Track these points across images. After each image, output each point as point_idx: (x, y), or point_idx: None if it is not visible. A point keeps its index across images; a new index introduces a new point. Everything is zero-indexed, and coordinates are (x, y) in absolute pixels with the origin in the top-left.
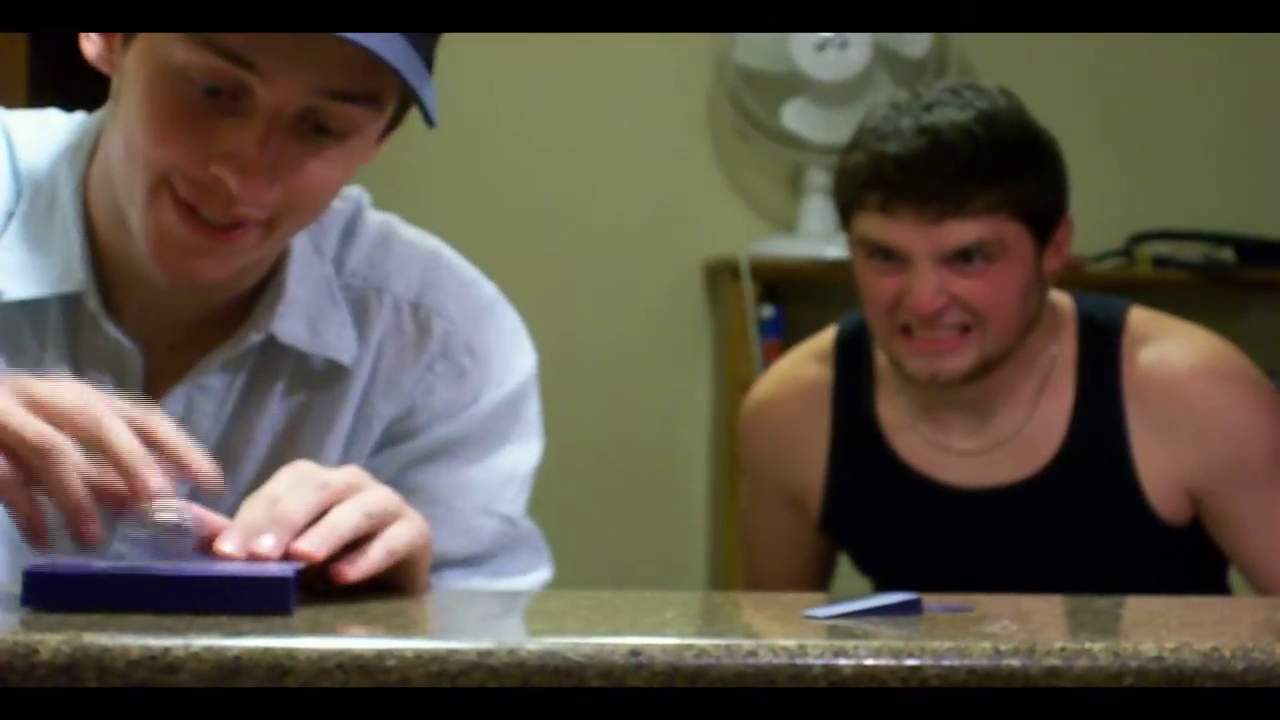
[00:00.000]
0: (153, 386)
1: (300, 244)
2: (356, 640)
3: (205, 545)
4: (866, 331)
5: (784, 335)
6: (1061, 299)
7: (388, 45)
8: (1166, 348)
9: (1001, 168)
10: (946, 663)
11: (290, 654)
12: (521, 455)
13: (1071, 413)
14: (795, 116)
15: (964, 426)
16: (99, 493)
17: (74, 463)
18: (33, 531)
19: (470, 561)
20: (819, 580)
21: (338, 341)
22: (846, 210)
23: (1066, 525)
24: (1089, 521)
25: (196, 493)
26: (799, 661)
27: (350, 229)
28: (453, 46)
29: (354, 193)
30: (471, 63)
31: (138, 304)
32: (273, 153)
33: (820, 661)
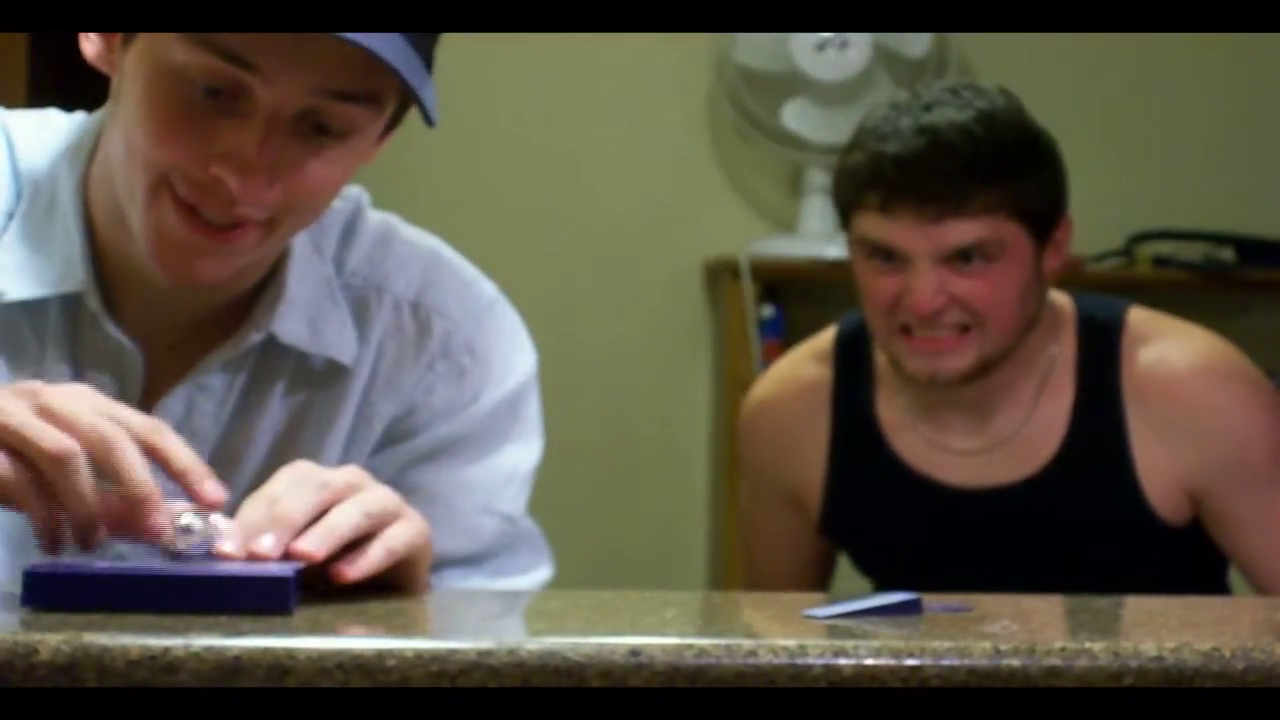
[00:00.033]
0: (153, 386)
1: (300, 244)
2: (356, 640)
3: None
4: (866, 331)
5: (784, 335)
6: (1061, 299)
7: (387, 45)
8: (1166, 347)
9: (1001, 168)
10: (946, 663)
11: (290, 654)
12: (522, 454)
13: (1071, 412)
14: (795, 116)
15: (964, 426)
16: (107, 510)
17: (88, 474)
18: (51, 538)
19: (471, 561)
20: (819, 580)
21: (338, 341)
22: (846, 210)
23: (1066, 525)
24: (1089, 521)
25: None
26: (799, 661)
27: (350, 228)
28: (453, 46)
29: (354, 192)
30: (471, 63)
31: (138, 304)
32: (273, 153)
33: (820, 661)
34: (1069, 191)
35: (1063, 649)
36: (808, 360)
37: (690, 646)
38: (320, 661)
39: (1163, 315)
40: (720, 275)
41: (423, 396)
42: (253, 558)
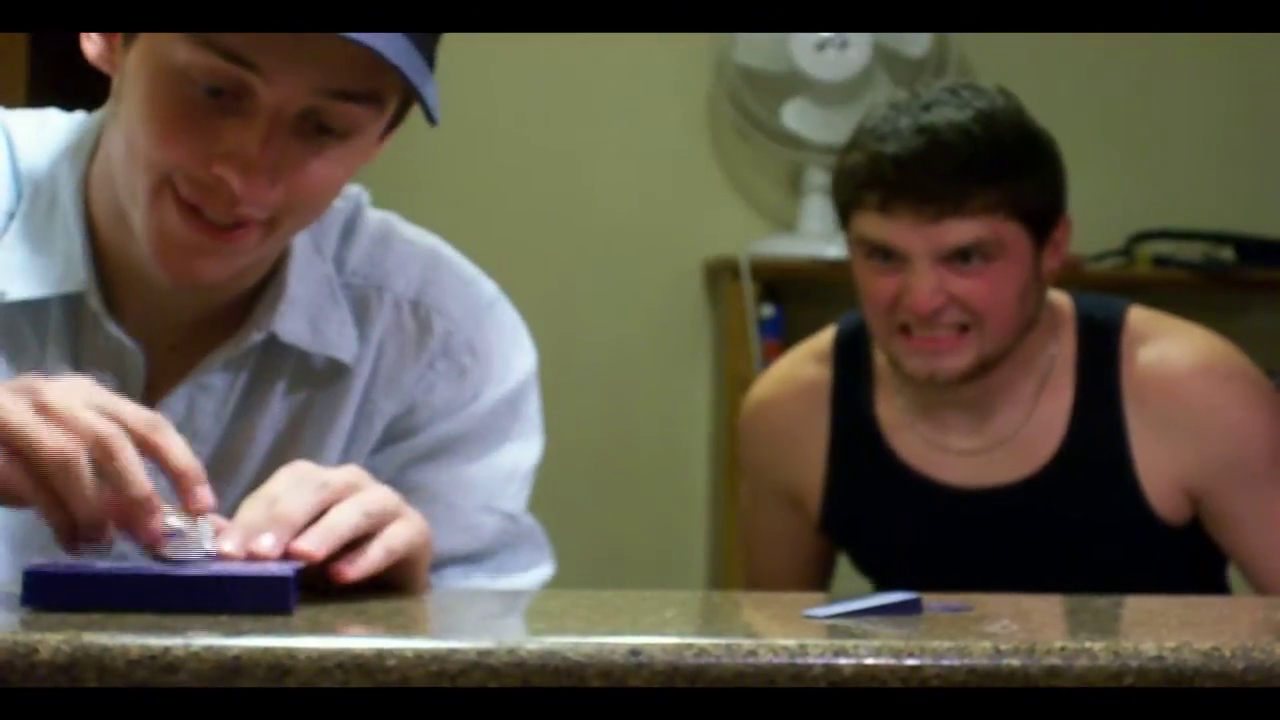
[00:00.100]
0: (154, 386)
1: (301, 243)
2: (356, 640)
3: None
4: (865, 331)
5: (784, 335)
6: (1060, 299)
7: (390, 45)
8: (1166, 347)
9: (1000, 167)
10: (946, 662)
11: (290, 654)
12: (522, 453)
13: (1071, 412)
14: (795, 116)
15: (963, 426)
16: (107, 510)
17: (90, 474)
18: (67, 535)
19: (471, 559)
20: (819, 580)
21: (339, 340)
22: (845, 210)
23: (1066, 525)
24: (1088, 521)
25: None
26: (799, 661)
27: (350, 227)
28: (453, 46)
29: (354, 191)
30: (472, 63)
31: (139, 304)
32: (275, 152)
33: (820, 661)
34: (1069, 191)
35: (1063, 649)
36: (807, 360)
37: (690, 646)
38: (320, 661)
39: (1162, 315)
40: (720, 275)
41: (423, 395)
42: (252, 557)
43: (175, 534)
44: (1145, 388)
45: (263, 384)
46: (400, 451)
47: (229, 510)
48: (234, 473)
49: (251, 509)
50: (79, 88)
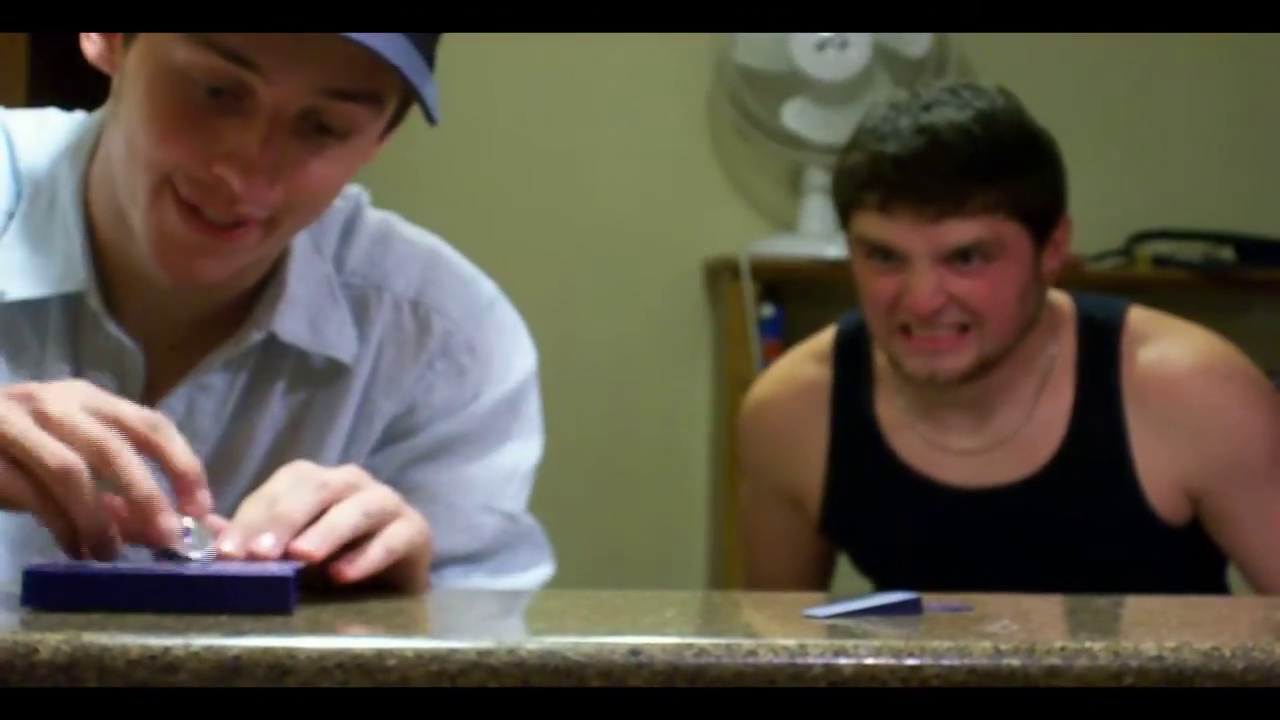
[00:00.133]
0: (154, 386)
1: (300, 243)
2: (356, 640)
3: None
4: (866, 331)
5: (784, 335)
6: (1061, 299)
7: (390, 45)
8: (1166, 347)
9: (1000, 167)
10: (946, 662)
11: (290, 654)
12: (522, 452)
13: (1071, 412)
14: (795, 116)
15: (963, 426)
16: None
17: (91, 485)
18: (70, 543)
19: (471, 559)
20: (819, 580)
21: (338, 340)
22: (845, 210)
23: (1066, 525)
24: (1088, 521)
25: None
26: (799, 661)
27: (350, 227)
28: (453, 46)
29: (353, 191)
30: (472, 63)
31: (139, 303)
32: (275, 152)
33: (820, 661)
34: (1069, 191)
35: (1063, 649)
36: (807, 360)
37: (690, 646)
38: (320, 661)
39: (1163, 315)
40: (720, 275)
41: (423, 395)
42: (252, 557)
43: (186, 532)
44: (1145, 388)
45: (262, 384)
46: (400, 451)
47: (229, 510)
48: (233, 472)
49: (251, 509)
50: (79, 88)
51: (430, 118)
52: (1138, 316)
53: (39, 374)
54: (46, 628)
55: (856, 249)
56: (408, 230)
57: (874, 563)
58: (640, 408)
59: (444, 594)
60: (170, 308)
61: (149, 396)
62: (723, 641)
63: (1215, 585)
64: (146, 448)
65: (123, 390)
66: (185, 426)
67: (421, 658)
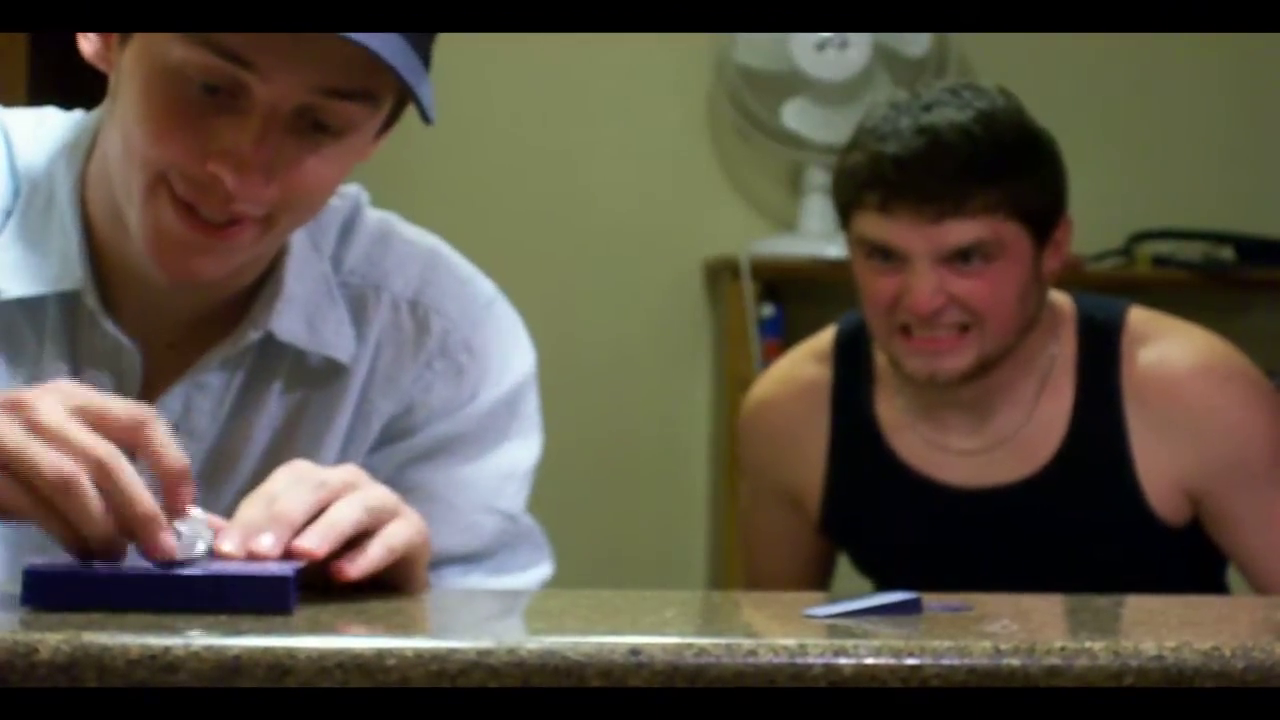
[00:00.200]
0: (151, 384)
1: (298, 242)
2: (356, 640)
3: None
4: (866, 331)
5: (784, 335)
6: (1061, 299)
7: (385, 44)
8: (1166, 347)
9: (1000, 167)
10: (946, 662)
11: (290, 654)
12: (521, 452)
13: (1071, 412)
14: (795, 116)
15: (963, 426)
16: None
17: (94, 493)
18: (79, 551)
19: (470, 558)
20: (819, 580)
21: (336, 339)
22: (845, 210)
23: (1066, 525)
24: (1088, 521)
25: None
26: (799, 661)
27: (348, 227)
28: (453, 46)
29: (352, 191)
30: (471, 62)
31: (136, 302)
32: (270, 150)
33: (820, 661)
34: (1069, 191)
35: (1063, 648)
36: (807, 360)
37: (690, 646)
38: (320, 661)
39: (1163, 315)
40: (720, 275)
41: (421, 395)
42: (252, 557)
43: (179, 536)
44: (1145, 388)
45: (259, 383)
46: (398, 451)
47: (227, 509)
48: (231, 471)
49: (250, 508)
50: (79, 87)
51: (426, 117)
52: (1138, 317)
53: (37, 372)
54: (46, 628)
55: (857, 249)
56: (407, 230)
57: (874, 563)
58: (640, 408)
59: (443, 594)
60: (167, 306)
61: (146, 395)
62: (723, 641)
63: (1215, 585)
64: (134, 445)
65: (120, 389)
66: (182, 425)
67: (421, 658)
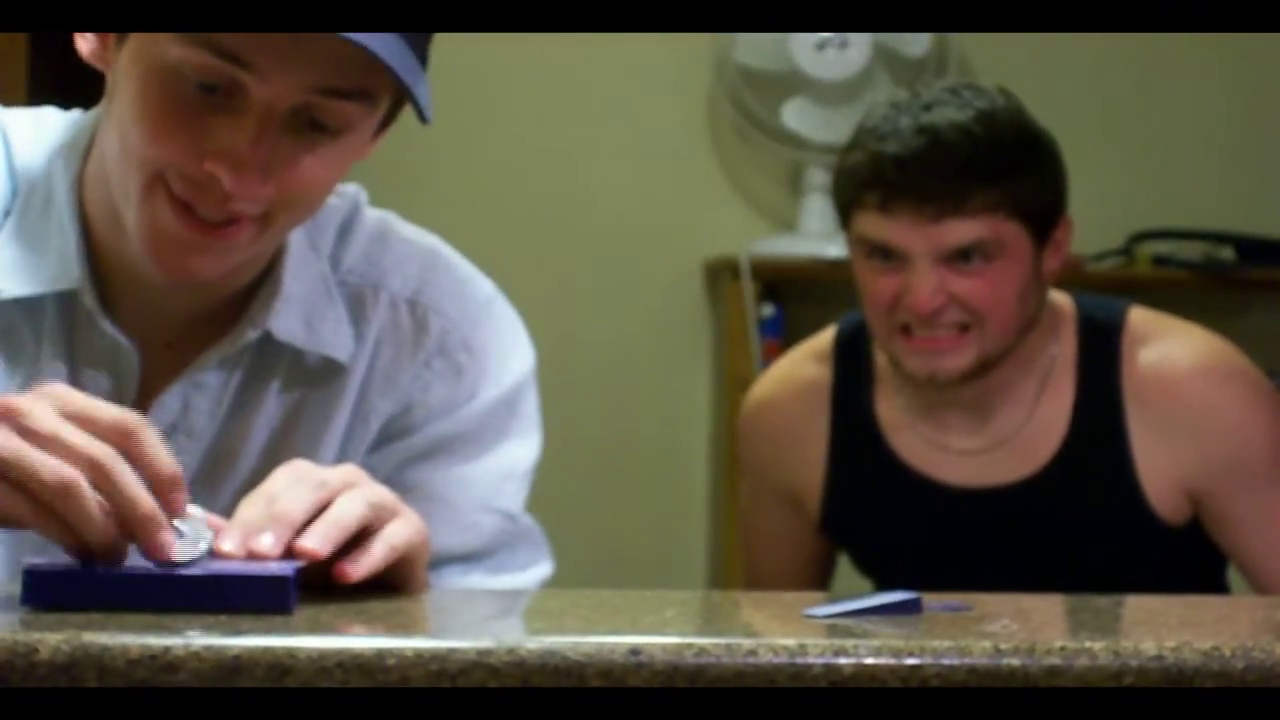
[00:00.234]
0: (149, 384)
1: (297, 241)
2: (356, 640)
3: None
4: (866, 331)
5: (784, 335)
6: (1061, 299)
7: (382, 43)
8: (1167, 348)
9: (1000, 167)
10: (946, 662)
11: (290, 653)
12: (520, 451)
13: (1071, 412)
14: (795, 116)
15: (963, 426)
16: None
17: (92, 497)
18: (80, 555)
19: (470, 558)
20: (819, 580)
21: (334, 339)
22: (846, 209)
23: (1066, 525)
24: (1088, 521)
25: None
26: (799, 661)
27: (347, 226)
28: (453, 46)
29: (351, 190)
30: (471, 62)
31: (134, 301)
32: (266, 149)
33: (820, 661)
34: (1069, 191)
35: (1063, 648)
36: (807, 360)
37: (690, 646)
38: (320, 661)
39: (1163, 315)
40: (720, 275)
41: (419, 394)
42: (252, 556)
43: (179, 535)
44: (1146, 388)
45: (257, 382)
46: (397, 450)
47: (225, 509)
48: (229, 471)
49: (250, 508)
50: (78, 87)
51: (422, 117)
52: (1138, 317)
53: (35, 372)
54: (46, 628)
55: (857, 249)
56: (406, 229)
57: (874, 563)
58: (640, 408)
59: (443, 594)
60: (165, 306)
61: (144, 395)
62: (723, 641)
63: (1215, 585)
64: (124, 451)
65: (118, 388)
66: (180, 424)
67: (421, 657)
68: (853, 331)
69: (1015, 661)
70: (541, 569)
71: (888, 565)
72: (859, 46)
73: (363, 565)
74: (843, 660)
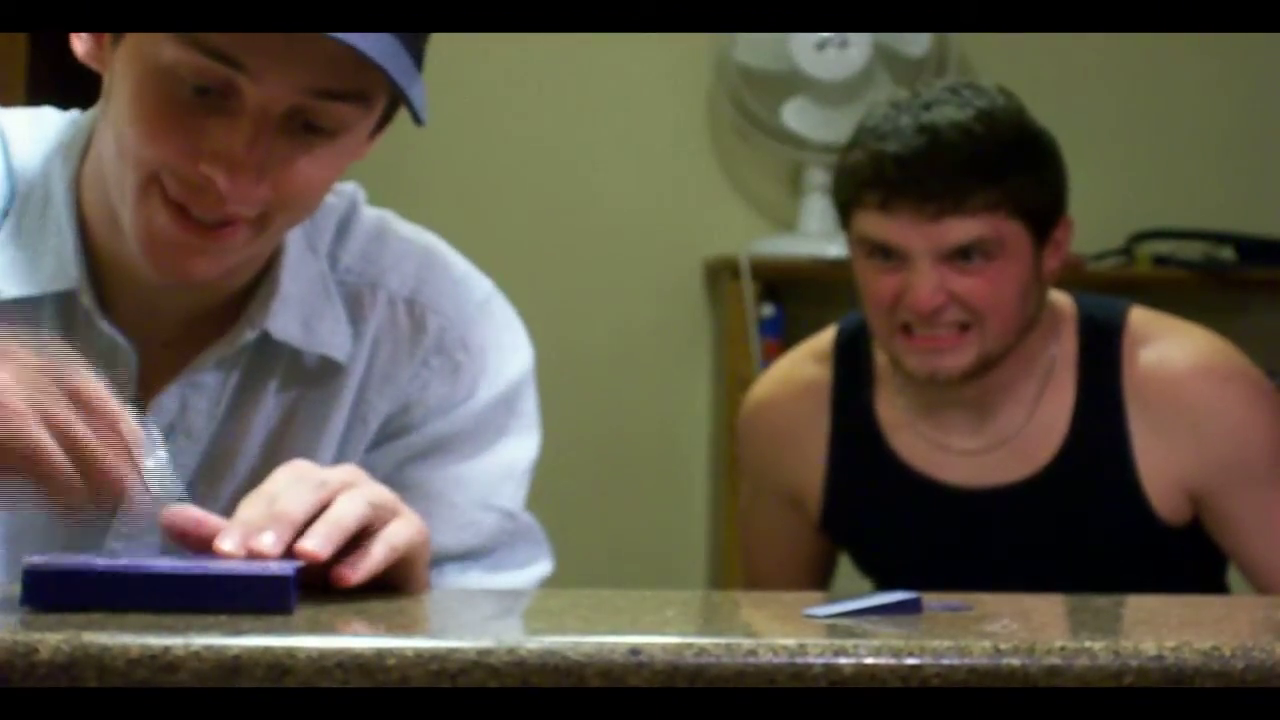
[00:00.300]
0: (147, 384)
1: (294, 240)
2: (356, 639)
3: (205, 544)
4: (866, 331)
5: (784, 335)
6: (1062, 299)
7: (376, 44)
8: (1167, 348)
9: (1000, 166)
10: (946, 662)
11: (290, 653)
12: (519, 450)
13: (1072, 412)
14: (795, 115)
15: (964, 426)
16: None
17: (61, 456)
18: (67, 511)
19: (470, 556)
20: (819, 580)
21: (332, 338)
22: (846, 209)
23: (1066, 525)
24: (1089, 521)
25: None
26: (799, 660)
27: (345, 225)
28: (453, 46)
29: (348, 189)
30: (471, 62)
31: (132, 301)
32: (261, 151)
33: (820, 661)
34: (1069, 191)
35: (1063, 648)
36: (807, 360)
37: (690, 646)
38: (320, 661)
39: (1164, 315)
40: (720, 275)
41: (418, 393)
42: (252, 556)
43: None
44: (1146, 388)
45: (256, 382)
46: (396, 449)
47: (225, 509)
48: (228, 471)
49: (250, 507)
50: (78, 87)
51: (417, 119)
52: (1139, 317)
53: None
54: (46, 628)
55: (857, 248)
56: (403, 228)
57: (874, 563)
58: (640, 408)
59: (444, 594)
60: (163, 306)
61: (142, 394)
62: (723, 641)
63: (1215, 585)
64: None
65: (116, 388)
66: (179, 425)
67: (421, 657)
68: (853, 331)
69: (1015, 661)
70: (541, 567)
71: (888, 565)
72: (859, 46)
73: (362, 568)
74: (843, 660)
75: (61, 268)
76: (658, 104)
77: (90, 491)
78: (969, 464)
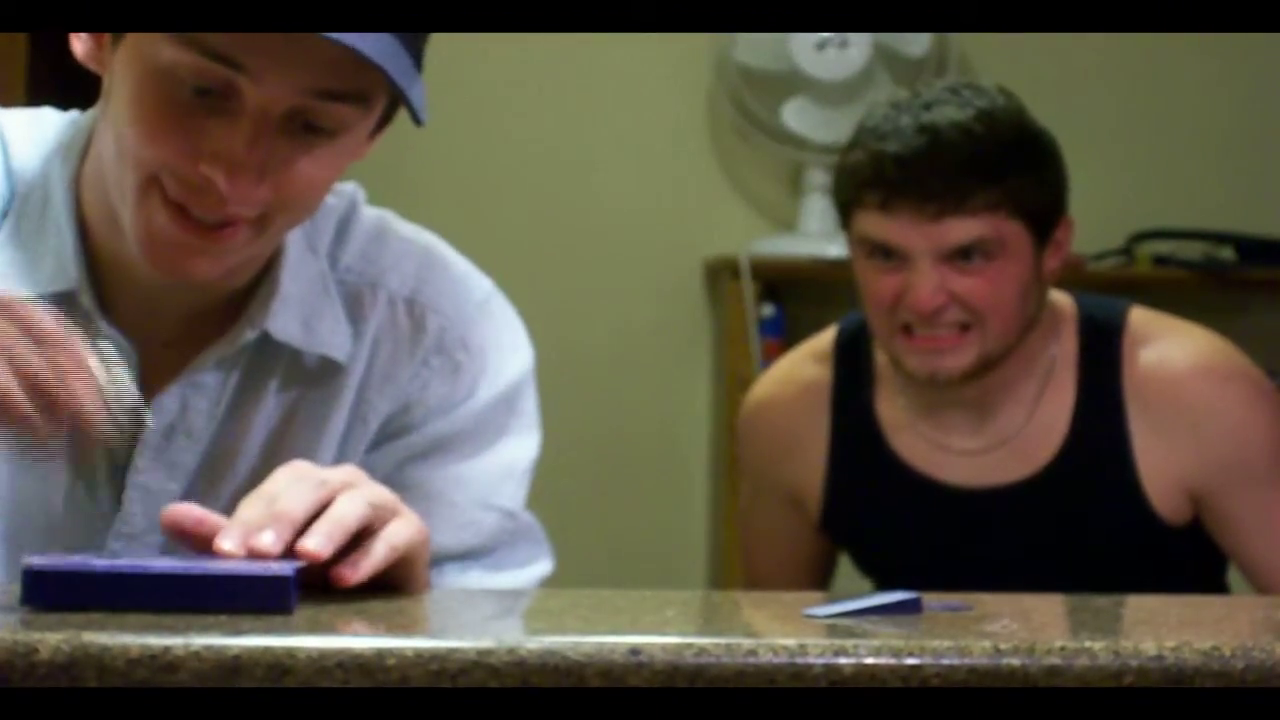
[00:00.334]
0: (148, 384)
1: (294, 240)
2: (356, 639)
3: (205, 543)
4: (866, 331)
5: (784, 335)
6: (1062, 299)
7: (376, 45)
8: (1167, 348)
9: (1001, 166)
10: (946, 662)
11: (290, 653)
12: (519, 449)
13: (1072, 413)
14: (795, 115)
15: (964, 426)
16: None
17: (17, 388)
18: (25, 444)
19: (470, 555)
20: (819, 580)
21: (332, 338)
22: (846, 209)
23: (1067, 525)
24: (1089, 521)
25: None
26: (799, 660)
27: (345, 225)
28: (453, 46)
29: (348, 189)
30: (471, 62)
31: (132, 301)
32: (261, 152)
33: (820, 661)
34: (1069, 191)
35: (1063, 648)
36: (807, 360)
37: (690, 646)
38: (320, 661)
39: (1164, 315)
40: (720, 275)
41: (418, 393)
42: (253, 555)
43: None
44: (1146, 388)
45: (256, 382)
46: (396, 449)
47: (225, 509)
48: (228, 471)
49: (250, 507)
50: (78, 88)
51: (416, 119)
52: (1139, 317)
53: None
54: (46, 627)
55: (857, 248)
56: (403, 228)
57: (874, 563)
58: (640, 408)
59: (444, 594)
60: (163, 306)
61: (142, 395)
62: (723, 641)
63: (1215, 585)
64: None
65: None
66: (179, 425)
67: (421, 657)
68: (853, 331)
69: (1015, 661)
70: (541, 566)
71: (888, 565)
72: (859, 46)
73: (363, 568)
74: (843, 660)
75: (61, 268)
76: (658, 104)
77: (49, 423)
78: (969, 464)
